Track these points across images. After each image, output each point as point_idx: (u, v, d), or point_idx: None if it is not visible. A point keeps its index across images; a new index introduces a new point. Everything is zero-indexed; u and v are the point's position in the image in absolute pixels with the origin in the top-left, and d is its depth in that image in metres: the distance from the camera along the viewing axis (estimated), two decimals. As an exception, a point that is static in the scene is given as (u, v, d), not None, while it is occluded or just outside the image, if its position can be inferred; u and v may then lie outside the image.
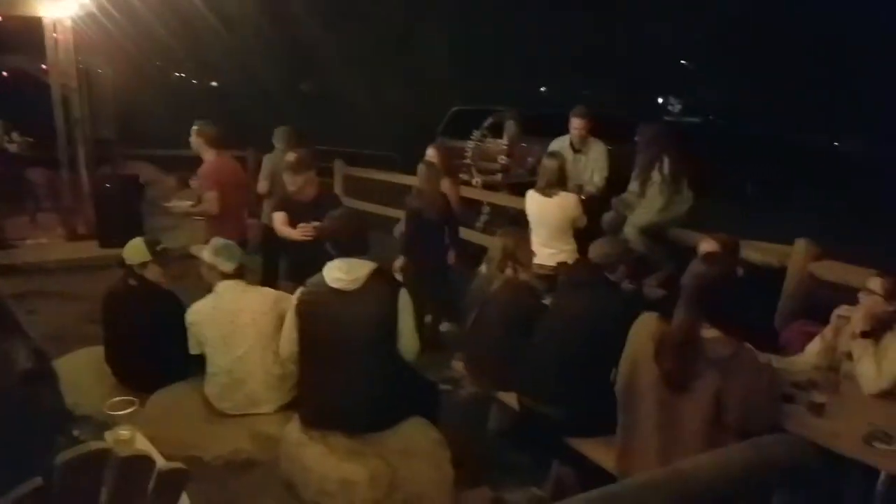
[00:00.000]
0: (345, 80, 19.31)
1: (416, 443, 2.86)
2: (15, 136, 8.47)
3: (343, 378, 2.81)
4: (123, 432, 2.11)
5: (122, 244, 3.58)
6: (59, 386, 2.02)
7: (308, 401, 2.97)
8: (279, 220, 4.34)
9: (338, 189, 8.98)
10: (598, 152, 5.26)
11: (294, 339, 2.95)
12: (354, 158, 9.96)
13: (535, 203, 4.54)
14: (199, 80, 21.86)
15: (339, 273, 2.82)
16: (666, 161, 4.83)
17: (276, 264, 5.53)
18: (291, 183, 4.27)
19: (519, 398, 3.18)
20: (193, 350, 3.31)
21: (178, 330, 3.35)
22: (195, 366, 3.41)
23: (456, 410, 3.74)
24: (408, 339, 2.91)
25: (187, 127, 5.11)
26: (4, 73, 11.66)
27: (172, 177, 10.09)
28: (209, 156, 4.85)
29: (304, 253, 4.08)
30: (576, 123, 5.18)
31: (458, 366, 3.72)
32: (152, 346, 3.35)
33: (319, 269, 2.94)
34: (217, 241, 3.44)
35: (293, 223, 4.23)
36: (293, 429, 2.96)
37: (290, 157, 4.40)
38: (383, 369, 2.85)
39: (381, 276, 2.89)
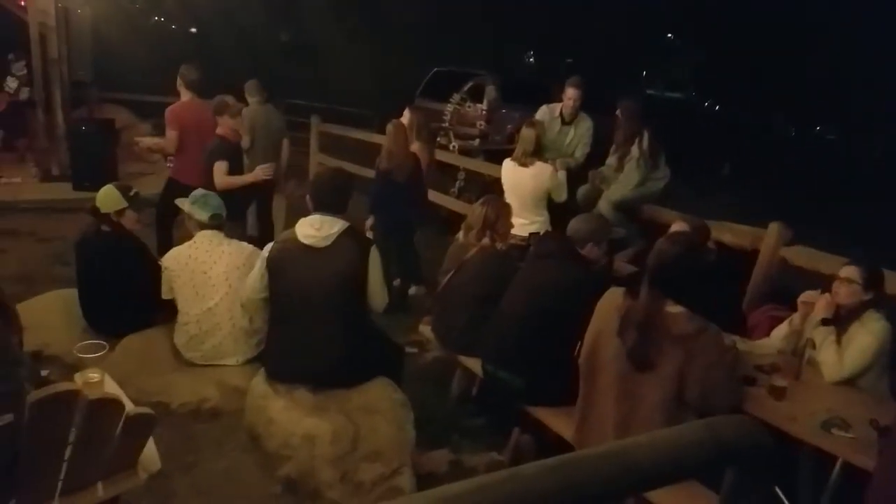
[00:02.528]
0: (326, 33, 18.88)
1: (380, 402, 2.92)
2: (26, 90, 8.35)
3: (310, 334, 2.85)
4: (93, 375, 2.15)
5: (96, 188, 3.56)
6: (14, 320, 2.02)
7: (275, 354, 3.01)
8: (223, 169, 4.57)
9: (313, 145, 8.92)
10: (585, 127, 5.19)
11: (257, 288, 2.98)
12: (331, 114, 9.85)
13: (510, 172, 4.55)
14: (178, 26, 21.15)
15: (311, 230, 2.83)
16: (645, 137, 4.85)
17: (244, 216, 5.55)
18: (238, 124, 4.73)
19: (483, 364, 3.24)
20: (166, 295, 3.35)
21: (149, 277, 3.38)
22: (164, 314, 3.46)
23: (421, 373, 3.84)
24: (376, 292, 2.96)
25: (164, 73, 5.08)
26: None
27: (148, 123, 9.89)
28: (184, 98, 4.99)
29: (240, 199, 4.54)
30: (570, 94, 5.08)
31: (425, 330, 3.78)
32: (123, 293, 3.36)
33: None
34: (198, 191, 3.48)
35: (233, 169, 4.64)
36: (259, 381, 3.02)
37: (230, 98, 4.75)
38: (350, 328, 2.89)
39: (352, 234, 2.90)
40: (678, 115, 18.81)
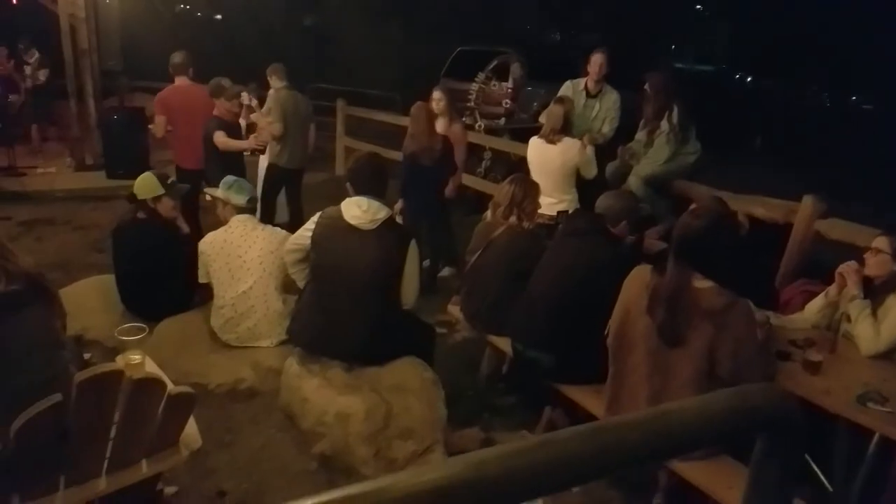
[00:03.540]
0: (347, 15, 18.80)
1: (411, 381, 2.96)
2: (43, 72, 8.57)
3: (344, 310, 2.92)
4: (135, 357, 2.21)
5: (129, 176, 3.66)
6: (57, 306, 2.08)
7: (308, 326, 3.07)
8: (223, 135, 4.84)
9: (339, 129, 8.95)
10: (611, 100, 5.08)
11: (300, 246, 3.07)
12: (354, 97, 9.84)
13: (537, 150, 4.50)
14: (203, 13, 21.25)
15: (358, 210, 2.91)
16: (675, 111, 4.76)
17: (274, 202, 5.61)
18: (235, 106, 5.02)
19: (512, 343, 3.24)
20: (202, 279, 3.43)
21: (185, 262, 3.47)
22: (200, 298, 3.54)
23: (451, 353, 3.87)
24: (409, 286, 3.03)
25: (190, 61, 5.17)
26: (14, 1, 11.52)
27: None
28: (176, 83, 5.20)
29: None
30: (595, 59, 4.97)
31: (454, 310, 3.80)
32: (160, 278, 3.46)
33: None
34: (229, 177, 3.54)
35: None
36: (293, 362, 3.09)
37: (226, 81, 5.00)
38: (383, 307, 2.95)
39: (395, 224, 3.04)
40: (708, 87, 18.33)
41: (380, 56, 16.95)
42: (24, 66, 8.71)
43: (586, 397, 2.88)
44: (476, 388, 3.56)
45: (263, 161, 5.70)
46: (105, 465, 1.85)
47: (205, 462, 2.65)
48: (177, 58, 5.17)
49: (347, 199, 2.98)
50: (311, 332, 3.06)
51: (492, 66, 7.98)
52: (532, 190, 3.62)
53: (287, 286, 3.48)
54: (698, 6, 28.83)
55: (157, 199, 3.52)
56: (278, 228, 3.59)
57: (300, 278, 3.20)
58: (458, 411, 3.16)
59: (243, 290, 3.36)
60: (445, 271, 5.07)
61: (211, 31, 18.51)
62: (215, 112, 4.86)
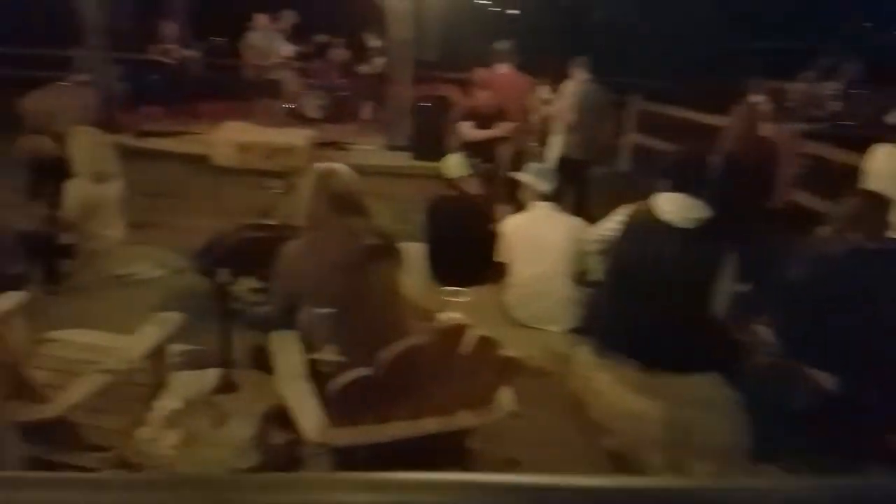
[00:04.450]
0: (636, 8, 18.23)
1: (715, 399, 2.75)
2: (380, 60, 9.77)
3: (647, 309, 2.79)
4: (455, 316, 2.37)
5: (433, 158, 4.01)
6: (401, 262, 2.30)
7: (609, 325, 3.00)
8: (469, 125, 5.26)
9: (628, 124, 8.67)
10: None
11: (605, 240, 3.00)
12: (642, 92, 9.42)
13: (892, 160, 3.82)
14: (500, 7, 22.26)
15: (675, 207, 2.77)
16: None
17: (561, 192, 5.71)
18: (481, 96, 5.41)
19: (832, 379, 2.80)
20: (500, 257, 3.60)
21: (487, 238, 3.65)
22: (498, 273, 3.70)
23: (755, 377, 3.48)
24: (721, 295, 2.82)
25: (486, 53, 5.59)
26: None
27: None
28: (497, 69, 5.71)
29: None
30: None
31: (761, 331, 3.41)
32: (464, 250, 3.69)
33: None
34: (535, 164, 3.68)
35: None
36: (585, 351, 3.06)
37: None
38: (690, 313, 2.78)
39: (712, 225, 2.82)
40: None
41: (671, 49, 16.15)
42: (363, 53, 9.99)
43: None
44: (782, 424, 3.15)
45: (552, 152, 5.80)
46: (436, 407, 2.00)
47: (497, 428, 2.74)
48: (504, 45, 5.59)
49: (662, 195, 2.82)
50: (607, 326, 2.99)
51: (819, 66, 7.07)
52: (883, 204, 3.07)
53: (577, 276, 3.46)
54: None
55: (464, 178, 3.82)
56: (577, 218, 3.61)
57: (597, 270, 3.15)
58: (757, 444, 2.81)
59: (539, 273, 3.43)
60: (748, 287, 4.63)
61: (507, 25, 19.41)
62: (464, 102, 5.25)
